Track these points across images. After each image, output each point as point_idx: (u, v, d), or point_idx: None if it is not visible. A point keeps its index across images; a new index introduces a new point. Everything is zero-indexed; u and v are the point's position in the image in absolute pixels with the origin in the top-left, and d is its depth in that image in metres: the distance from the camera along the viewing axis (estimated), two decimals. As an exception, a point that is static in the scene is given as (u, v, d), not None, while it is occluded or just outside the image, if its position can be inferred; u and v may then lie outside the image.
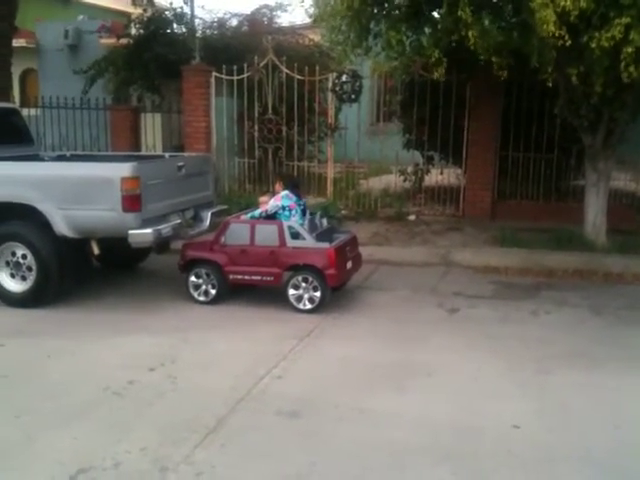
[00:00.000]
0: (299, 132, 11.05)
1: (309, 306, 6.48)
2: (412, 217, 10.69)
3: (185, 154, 9.25)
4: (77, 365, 5.18)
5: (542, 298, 7.14)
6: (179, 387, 4.76)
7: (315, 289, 6.45)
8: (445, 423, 4.25)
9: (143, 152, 11.56)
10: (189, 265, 6.85)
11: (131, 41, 13.18)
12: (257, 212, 6.82)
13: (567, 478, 3.64)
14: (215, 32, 14.01)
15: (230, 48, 12.64)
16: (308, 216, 6.89)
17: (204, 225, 7.25)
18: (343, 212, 10.56)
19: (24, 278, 6.57)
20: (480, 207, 10.69)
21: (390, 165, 11.61)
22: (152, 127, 12.16)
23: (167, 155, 8.41)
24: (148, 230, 6.21)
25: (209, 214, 7.30)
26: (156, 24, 13.09)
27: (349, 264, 6.81)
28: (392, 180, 11.48)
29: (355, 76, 10.58)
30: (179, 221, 6.82)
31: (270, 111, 11.09)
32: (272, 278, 6.58)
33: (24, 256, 6.53)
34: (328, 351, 5.55)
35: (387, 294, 7.26)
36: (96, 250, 6.50)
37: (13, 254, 6.57)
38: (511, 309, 6.72)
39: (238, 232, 6.65)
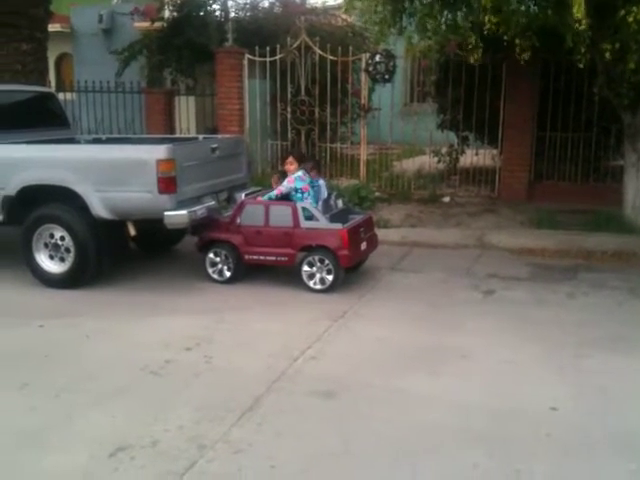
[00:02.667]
0: (332, 114, 10.99)
1: (319, 286, 6.54)
2: (446, 199, 10.58)
3: (219, 136, 9.27)
4: (115, 345, 5.27)
5: (580, 280, 7.02)
6: (215, 367, 4.80)
7: (328, 270, 6.50)
8: (480, 406, 4.22)
9: (177, 135, 11.64)
10: (207, 245, 6.95)
11: (165, 25, 13.21)
12: (273, 194, 6.86)
13: (606, 462, 3.59)
14: (248, 14, 13.98)
15: (263, 30, 12.59)
16: (323, 196, 6.92)
17: (238, 207, 7.27)
18: (376, 194, 10.50)
19: (62, 259, 6.68)
20: (516, 188, 10.52)
21: (424, 146, 11.50)
22: (186, 110, 12.20)
23: (201, 137, 8.44)
24: (183, 212, 6.27)
25: (243, 196, 7.31)
26: (189, 7, 13.09)
27: (363, 245, 6.84)
28: (426, 161, 11.37)
29: (389, 56, 10.44)
30: (213, 203, 6.87)
31: (303, 93, 11.04)
32: (286, 259, 6.66)
33: (62, 238, 6.62)
34: (362, 333, 5.55)
35: (421, 276, 7.22)
36: (132, 232, 6.58)
37: (51, 236, 6.67)
38: (548, 291, 6.62)
39: (253, 213, 6.72)
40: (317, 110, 10.99)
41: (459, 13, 7.95)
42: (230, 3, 14.02)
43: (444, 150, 11.32)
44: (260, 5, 14.30)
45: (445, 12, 7.92)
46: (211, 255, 6.89)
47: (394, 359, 4.99)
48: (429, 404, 4.25)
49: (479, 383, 4.57)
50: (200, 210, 6.49)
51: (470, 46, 7.52)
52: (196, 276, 7.07)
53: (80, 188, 6.36)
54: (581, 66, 7.41)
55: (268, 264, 6.90)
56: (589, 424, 3.99)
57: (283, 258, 6.68)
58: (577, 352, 5.08)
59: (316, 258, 6.54)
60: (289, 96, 11.08)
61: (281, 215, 6.62)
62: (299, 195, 6.80)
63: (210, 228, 6.94)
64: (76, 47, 17.47)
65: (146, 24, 14.24)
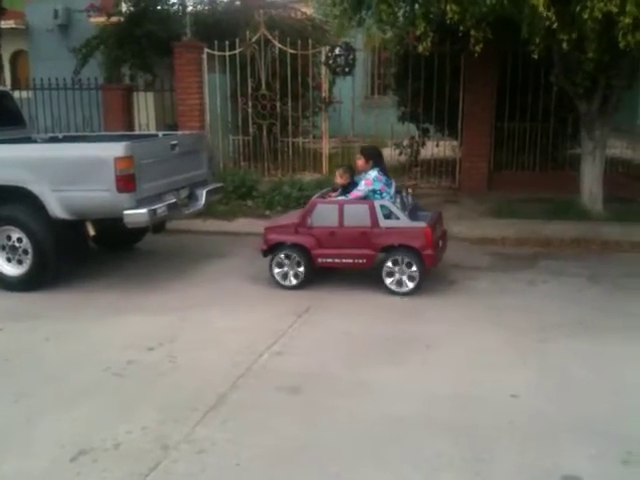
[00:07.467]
0: (293, 107, 10.96)
1: (402, 289, 6.21)
2: (408, 190, 10.61)
3: (178, 132, 9.18)
4: (76, 347, 5.19)
5: (540, 268, 7.15)
6: (179, 366, 4.76)
7: (412, 271, 6.17)
8: (445, 395, 4.27)
9: (136, 132, 11.49)
10: (272, 249, 6.60)
11: (122, 19, 13.02)
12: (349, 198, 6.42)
13: (568, 448, 3.65)
14: (206, 7, 13.86)
15: (222, 23, 12.51)
16: (392, 192, 6.52)
17: (199, 204, 7.21)
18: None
19: (20, 262, 6.54)
20: (476, 179, 10.65)
21: (385, 138, 11.55)
22: (145, 106, 12.05)
23: (160, 134, 8.34)
24: (143, 210, 6.16)
25: (204, 192, 7.26)
26: (146, 1, 12.92)
27: (440, 243, 6.52)
28: (387, 154, 11.37)
29: (348, 49, 10.45)
30: (174, 200, 6.78)
31: (263, 87, 10.99)
32: (364, 260, 6.34)
33: (19, 240, 6.49)
34: (326, 326, 5.56)
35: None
36: (91, 231, 6.47)
37: (8, 238, 6.53)
38: (509, 280, 6.72)
39: (326, 213, 6.38)
40: (278, 104, 10.95)
41: (416, 4, 7.97)
42: (188, -4, 13.90)
43: (405, 142, 11.39)
44: (218, -2, 14.21)
45: (401, 3, 7.93)
46: (278, 259, 6.51)
47: (359, 351, 5.02)
48: (394, 395, 4.28)
49: (443, 372, 4.61)
50: (160, 208, 6.39)
51: (419, 33, 7.53)
52: (159, 274, 7.01)
53: (36, 188, 6.23)
54: (535, 57, 7.50)
55: (344, 267, 6.63)
56: (551, 410, 4.06)
57: (361, 260, 6.35)
58: (539, 338, 5.18)
59: (399, 259, 6.21)
60: (250, 90, 11.01)
61: (357, 214, 6.25)
62: (377, 196, 6.36)
63: (276, 230, 6.66)
64: (32, 43, 17.14)
65: (102, 19, 14.01)
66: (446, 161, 11.00)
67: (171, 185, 6.85)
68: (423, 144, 11.51)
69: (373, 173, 6.43)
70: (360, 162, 6.62)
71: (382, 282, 6.28)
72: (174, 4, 13.52)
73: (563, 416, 3.98)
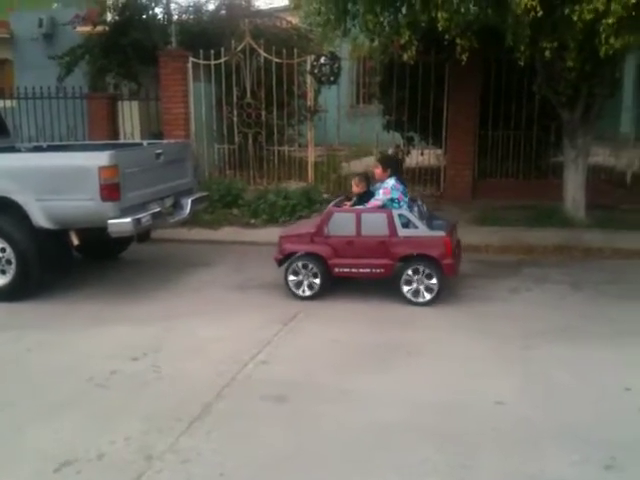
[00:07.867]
0: (279, 116, 10.98)
1: (421, 299, 6.17)
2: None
3: (164, 141, 9.17)
4: (59, 357, 5.15)
5: (523, 275, 7.19)
6: (163, 376, 4.74)
7: (431, 281, 6.13)
8: (430, 402, 4.28)
9: (121, 140, 11.45)
10: (288, 259, 6.54)
11: (107, 28, 13.00)
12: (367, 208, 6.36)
13: (551, 454, 3.66)
14: (191, 16, 13.87)
15: (207, 32, 12.52)
16: (408, 201, 6.46)
17: (184, 213, 7.20)
18: (325, 196, 10.53)
19: (3, 272, 6.49)
20: (461, 187, 10.71)
21: (371, 147, 11.59)
22: (130, 115, 12.02)
23: (145, 143, 8.33)
24: (127, 219, 6.14)
25: (189, 201, 7.25)
26: (132, 10, 12.91)
27: (456, 252, 6.44)
28: (373, 162, 11.44)
29: (334, 58, 10.51)
30: (159, 209, 6.76)
31: (249, 95, 11.01)
32: (382, 270, 6.28)
33: (3, 249, 6.44)
34: (313, 334, 5.56)
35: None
36: (76, 241, 6.44)
37: (-9, 248, 6.50)
38: (493, 287, 6.76)
39: (343, 222, 6.32)
40: (264, 113, 10.96)
41: (399, 13, 8.02)
42: (173, 5, 13.90)
43: (390, 150, 11.42)
44: (204, 7, 14.21)
45: (386, 13, 7.98)
46: (292, 271, 6.44)
47: (344, 359, 5.02)
48: (380, 402, 4.29)
49: (429, 379, 4.63)
50: (145, 217, 6.36)
51: (403, 41, 7.58)
52: (143, 284, 6.98)
53: (20, 197, 6.20)
54: (521, 64, 7.57)
55: (362, 277, 6.59)
56: (535, 416, 4.08)
57: (379, 270, 6.28)
58: (523, 345, 5.21)
59: (418, 269, 6.15)
60: (235, 99, 11.03)
61: (375, 223, 6.20)
62: (395, 205, 6.31)
63: (292, 239, 6.59)
64: (16, 52, 17.02)
65: (88, 28, 13.97)
66: (431, 169, 11.06)
67: (156, 194, 6.84)
68: (408, 152, 11.56)
69: (391, 182, 6.40)
70: (378, 171, 6.61)
71: (396, 291, 6.22)
72: (159, 13, 13.51)
73: (547, 422, 4.00)
